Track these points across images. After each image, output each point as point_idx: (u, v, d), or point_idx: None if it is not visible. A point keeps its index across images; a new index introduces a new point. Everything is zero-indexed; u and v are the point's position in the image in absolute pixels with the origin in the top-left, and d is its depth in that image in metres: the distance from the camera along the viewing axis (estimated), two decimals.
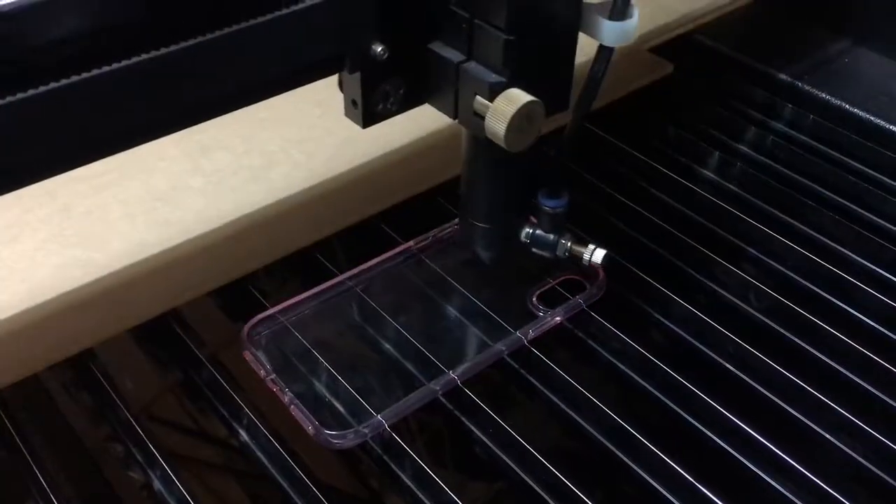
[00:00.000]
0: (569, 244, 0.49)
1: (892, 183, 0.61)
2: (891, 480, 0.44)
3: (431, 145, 0.63)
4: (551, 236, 0.49)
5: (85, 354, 0.50)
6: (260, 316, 0.50)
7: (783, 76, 0.70)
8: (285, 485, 0.44)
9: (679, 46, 0.75)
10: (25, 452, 0.45)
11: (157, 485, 0.44)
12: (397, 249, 0.54)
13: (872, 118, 0.65)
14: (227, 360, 0.50)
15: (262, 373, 0.47)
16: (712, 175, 0.63)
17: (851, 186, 0.61)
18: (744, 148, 0.65)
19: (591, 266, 0.50)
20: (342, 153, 0.62)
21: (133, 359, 0.51)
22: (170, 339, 0.51)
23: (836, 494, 0.43)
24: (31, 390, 0.48)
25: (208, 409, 0.48)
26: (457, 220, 0.54)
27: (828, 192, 0.61)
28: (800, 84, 0.69)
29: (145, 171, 0.61)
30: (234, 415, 0.47)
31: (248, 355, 0.48)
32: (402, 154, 0.63)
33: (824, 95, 0.68)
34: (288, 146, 0.63)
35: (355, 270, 0.53)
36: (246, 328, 0.49)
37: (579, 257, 0.49)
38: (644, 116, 0.68)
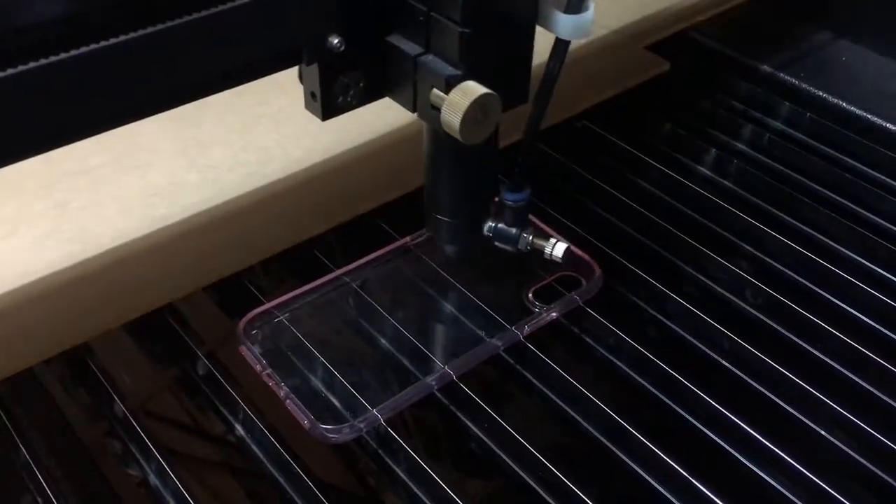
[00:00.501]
0: (530, 238, 0.49)
1: (889, 181, 0.62)
2: (885, 476, 0.44)
3: (418, 137, 0.63)
4: (514, 230, 0.49)
5: (80, 349, 0.50)
6: (256, 311, 0.50)
7: (780, 74, 0.70)
8: (281, 480, 0.44)
9: (675, 44, 0.75)
10: (21, 447, 0.45)
11: (153, 480, 0.44)
12: (393, 245, 0.54)
13: (869, 116, 0.66)
14: (223, 355, 0.50)
15: (258, 367, 0.47)
16: (708, 172, 0.63)
17: (848, 184, 0.61)
18: (740, 145, 0.66)
19: (552, 260, 0.50)
20: (338, 148, 0.62)
21: (129, 354, 0.51)
22: (166, 333, 0.51)
23: (830, 490, 0.43)
24: (26, 385, 0.48)
25: (205, 404, 0.48)
26: None
27: (824, 190, 0.61)
28: (796, 81, 0.69)
29: (141, 166, 0.61)
30: (230, 410, 0.47)
31: (243, 350, 0.48)
32: (398, 148, 0.63)
33: (821, 93, 0.68)
34: (284, 141, 0.63)
35: (351, 266, 0.53)
36: (242, 323, 0.49)
37: (541, 251, 0.49)
38: (640, 113, 0.68)
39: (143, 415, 0.47)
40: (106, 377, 0.49)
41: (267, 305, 0.50)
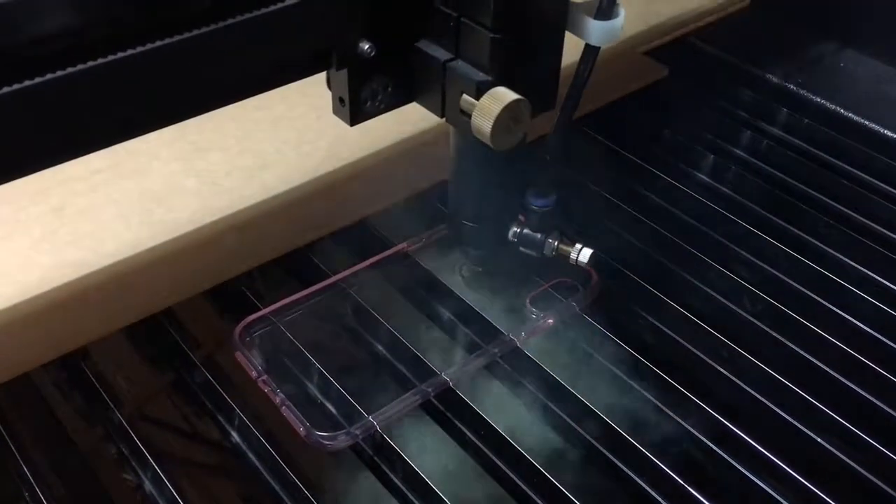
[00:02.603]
0: (556, 243, 0.49)
1: (885, 187, 0.62)
2: (880, 483, 0.44)
3: (425, 144, 0.63)
4: (538, 235, 0.49)
5: (77, 353, 0.50)
6: (252, 317, 0.50)
7: (777, 80, 0.70)
8: (276, 486, 0.44)
9: (674, 50, 0.75)
10: (15, 452, 0.45)
11: (147, 486, 0.44)
12: (391, 251, 0.54)
13: (866, 122, 0.66)
14: (219, 360, 0.50)
15: (254, 374, 0.47)
16: (706, 178, 0.63)
17: (845, 190, 0.61)
18: (738, 151, 0.65)
19: (577, 265, 0.50)
20: (336, 154, 0.62)
21: (126, 359, 0.51)
22: (163, 338, 0.51)
23: (824, 496, 0.43)
24: (22, 389, 0.48)
25: (201, 410, 0.48)
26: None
27: (821, 196, 0.61)
28: (794, 88, 0.69)
29: (139, 171, 0.61)
30: (226, 416, 0.47)
31: (239, 356, 0.48)
32: (396, 154, 0.63)
33: (818, 99, 0.68)
34: (282, 147, 0.63)
35: (348, 272, 0.53)
36: (238, 329, 0.49)
37: (566, 256, 0.49)
38: (639, 119, 0.68)
39: (139, 420, 0.47)
40: (102, 382, 0.49)
41: (263, 311, 0.50)
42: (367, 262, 0.53)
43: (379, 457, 0.45)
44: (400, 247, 0.55)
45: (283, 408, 0.46)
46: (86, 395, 0.49)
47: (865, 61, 0.72)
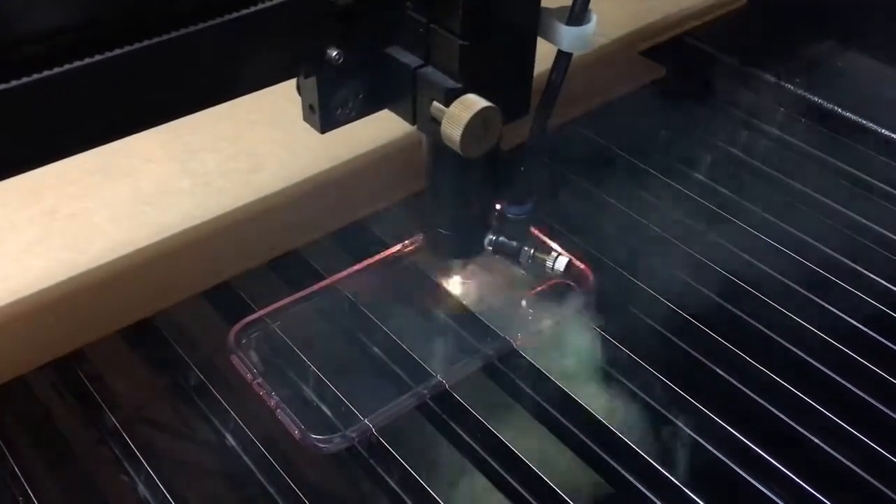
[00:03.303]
0: (532, 251, 0.49)
1: (880, 185, 0.61)
2: (875, 483, 0.44)
3: (419, 144, 0.63)
4: (514, 243, 0.49)
5: (72, 356, 0.49)
6: (247, 319, 0.50)
7: (774, 79, 0.70)
8: (271, 489, 0.44)
9: (671, 50, 0.75)
10: (9, 456, 0.45)
11: (141, 489, 0.44)
12: (386, 253, 0.54)
13: (863, 121, 0.66)
14: (214, 362, 0.50)
15: (249, 376, 0.47)
16: (702, 177, 0.63)
17: (842, 189, 0.61)
18: (735, 150, 0.65)
19: (553, 272, 0.49)
20: (330, 156, 0.62)
21: (121, 361, 0.51)
22: (157, 341, 0.51)
23: (820, 497, 0.43)
24: (17, 392, 0.48)
25: (196, 412, 0.48)
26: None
27: (818, 195, 0.61)
28: (791, 87, 0.69)
29: (132, 173, 0.61)
30: (221, 418, 0.47)
31: (235, 359, 0.48)
32: (388, 155, 0.63)
33: (816, 99, 0.68)
34: (276, 148, 0.63)
35: (343, 273, 0.53)
36: (233, 331, 0.49)
37: (542, 264, 0.49)
38: (635, 119, 0.68)
39: (134, 422, 0.47)
40: (97, 385, 0.48)
41: (258, 313, 0.50)
42: (363, 264, 0.53)
43: (374, 459, 0.45)
44: (395, 248, 0.54)
45: (278, 411, 0.45)
46: (80, 397, 0.48)
47: (863, 61, 0.72)
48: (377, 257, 0.54)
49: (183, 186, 0.60)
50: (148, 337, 0.51)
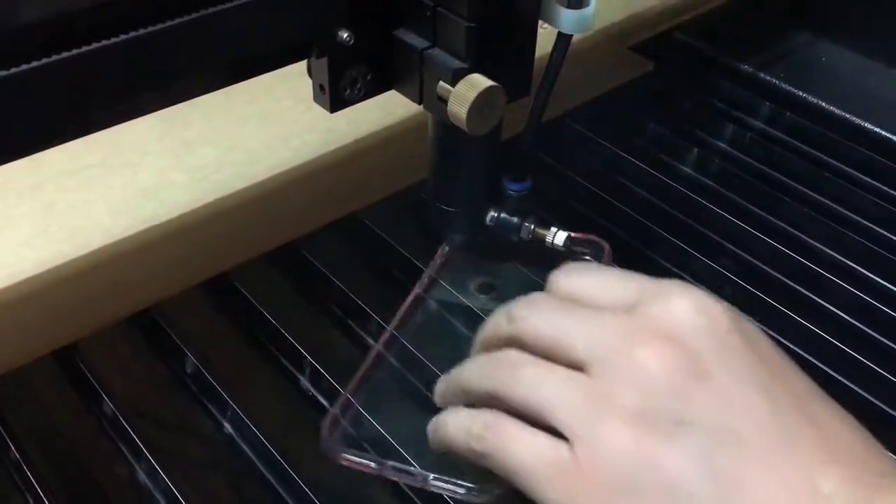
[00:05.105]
0: (532, 227, 0.50)
1: (865, 179, 0.63)
2: None
3: (406, 138, 0.64)
4: (515, 219, 0.50)
5: (70, 348, 0.50)
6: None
7: (761, 73, 0.71)
8: (273, 480, 0.44)
9: (659, 44, 0.76)
10: (11, 446, 0.45)
11: (142, 478, 0.45)
12: (411, 297, 0.49)
13: (847, 115, 0.67)
14: (212, 354, 0.50)
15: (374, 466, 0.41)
16: (690, 171, 0.64)
17: (826, 182, 0.62)
18: (722, 144, 0.66)
19: (553, 248, 0.50)
20: (325, 148, 0.63)
21: (118, 353, 0.51)
22: (155, 333, 0.51)
23: None
24: (15, 383, 0.48)
25: (194, 403, 0.49)
26: (442, 246, 0.52)
27: (803, 188, 0.62)
28: (777, 81, 0.70)
29: (129, 166, 0.62)
30: (219, 409, 0.48)
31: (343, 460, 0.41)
32: (385, 148, 0.63)
33: (801, 93, 0.69)
34: (272, 142, 0.64)
35: (386, 335, 0.46)
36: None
37: (542, 240, 0.50)
38: (623, 113, 0.69)
39: (132, 414, 0.47)
40: (95, 376, 0.49)
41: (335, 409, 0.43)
42: (398, 317, 0.47)
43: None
44: (415, 292, 0.49)
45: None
46: (79, 389, 0.49)
47: (848, 55, 0.73)
48: (406, 303, 0.48)
49: (179, 179, 0.61)
50: (145, 328, 0.52)
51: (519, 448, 0.31)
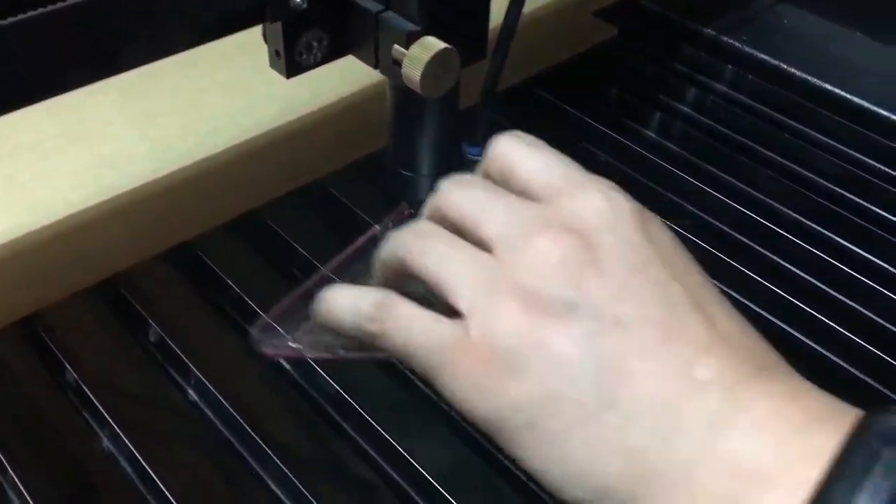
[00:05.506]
0: None
1: (827, 141, 0.63)
2: None
3: (367, 106, 0.63)
4: None
5: (33, 318, 0.50)
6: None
7: (723, 37, 0.71)
8: (240, 447, 0.45)
9: (623, 10, 0.76)
10: None
11: (106, 445, 0.45)
12: (367, 235, 0.46)
13: (809, 78, 0.67)
14: (176, 322, 0.50)
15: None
16: (654, 135, 0.64)
17: (788, 144, 0.63)
18: (685, 108, 0.67)
19: None
20: (286, 117, 0.63)
21: (83, 323, 0.51)
22: (119, 302, 0.51)
23: None
24: None
25: (159, 372, 0.49)
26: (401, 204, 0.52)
27: (766, 151, 0.62)
28: (739, 45, 0.70)
29: (90, 138, 0.61)
30: (184, 378, 0.48)
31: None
32: (345, 116, 0.63)
33: (763, 56, 0.69)
34: (233, 112, 0.64)
35: (335, 262, 0.45)
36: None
37: None
38: (587, 79, 0.69)
39: (97, 385, 0.47)
40: (59, 346, 0.49)
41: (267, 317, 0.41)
42: (351, 248, 0.45)
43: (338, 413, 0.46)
44: (373, 230, 0.49)
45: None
46: (43, 358, 0.49)
47: (810, 18, 0.73)
48: (360, 241, 0.45)
49: (141, 150, 0.60)
50: (109, 298, 0.52)
51: (412, 327, 0.31)
